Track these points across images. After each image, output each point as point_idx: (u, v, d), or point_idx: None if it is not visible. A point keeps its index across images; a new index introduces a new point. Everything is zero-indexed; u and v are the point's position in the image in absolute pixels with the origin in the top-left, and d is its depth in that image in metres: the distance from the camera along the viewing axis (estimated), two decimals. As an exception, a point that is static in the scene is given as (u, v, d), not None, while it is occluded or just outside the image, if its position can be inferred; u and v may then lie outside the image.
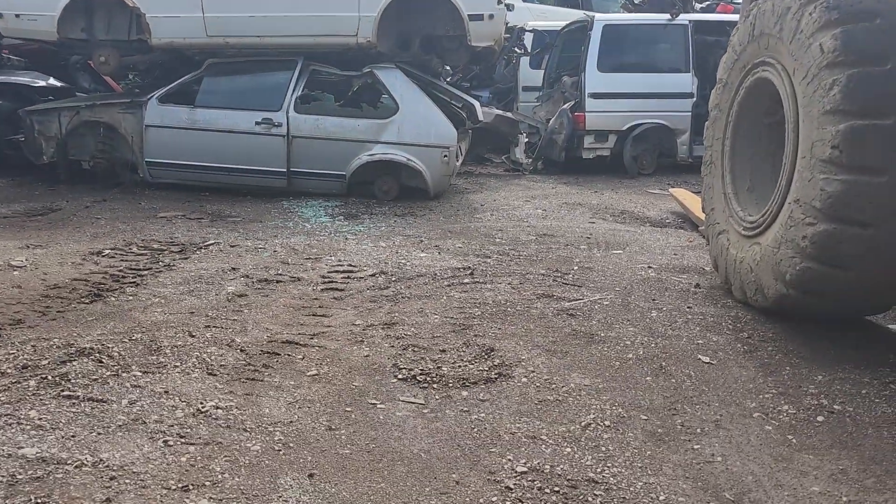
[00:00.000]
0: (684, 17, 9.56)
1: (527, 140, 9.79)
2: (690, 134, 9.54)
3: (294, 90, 7.01)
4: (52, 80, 8.24)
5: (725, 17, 9.93)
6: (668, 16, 9.54)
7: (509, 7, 12.84)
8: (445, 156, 6.97)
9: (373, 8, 6.71)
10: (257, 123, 6.93)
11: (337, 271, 4.43)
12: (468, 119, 7.48)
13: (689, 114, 9.45)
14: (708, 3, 14.01)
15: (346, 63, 7.20)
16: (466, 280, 4.25)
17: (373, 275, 4.35)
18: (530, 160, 9.92)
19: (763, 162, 4.03)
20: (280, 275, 4.31)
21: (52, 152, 7.24)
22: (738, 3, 13.85)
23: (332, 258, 4.74)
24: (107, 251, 4.70)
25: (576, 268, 4.62)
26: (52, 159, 7.27)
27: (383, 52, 7.01)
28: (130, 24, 6.91)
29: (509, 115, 9.54)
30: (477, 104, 7.48)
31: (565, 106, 9.48)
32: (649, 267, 4.70)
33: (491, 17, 6.82)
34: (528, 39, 11.40)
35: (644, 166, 9.64)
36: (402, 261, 4.67)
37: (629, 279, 4.38)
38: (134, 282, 4.09)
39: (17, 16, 6.85)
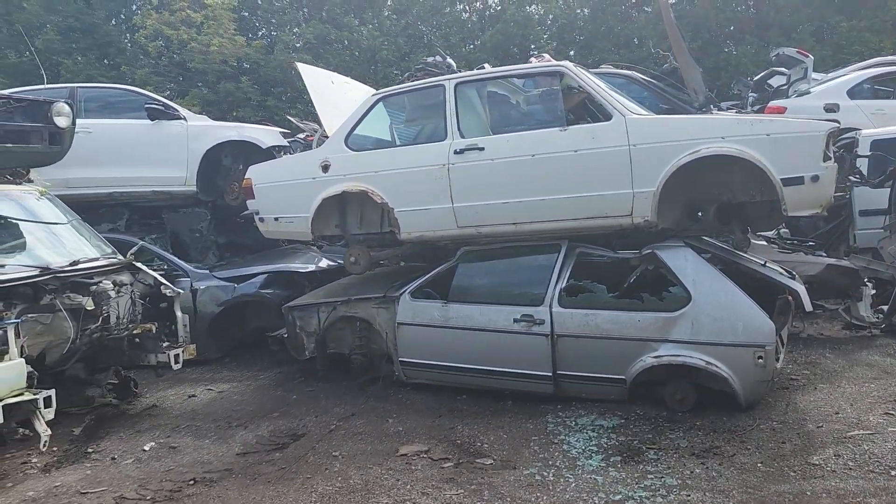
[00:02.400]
0: None
1: (873, 291, 7.44)
2: None
3: (558, 280, 5.82)
4: (322, 262, 8.11)
5: None
6: None
7: (832, 108, 10.56)
8: (760, 357, 5.19)
9: (650, 182, 5.33)
10: (516, 321, 5.83)
11: None
12: (792, 301, 5.62)
13: None
14: None
15: (622, 239, 5.88)
16: None
17: None
18: (880, 317, 7.53)
19: None
20: None
21: (312, 348, 6.89)
22: None
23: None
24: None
25: None
26: (313, 355, 6.93)
27: (666, 227, 5.56)
28: (382, 217, 6.36)
29: (845, 263, 7.35)
30: (802, 289, 5.58)
31: (929, 246, 7.05)
32: None
33: (815, 179, 5.00)
34: (862, 145, 9.04)
35: None
36: None
37: None
38: None
39: (276, 219, 6.69)
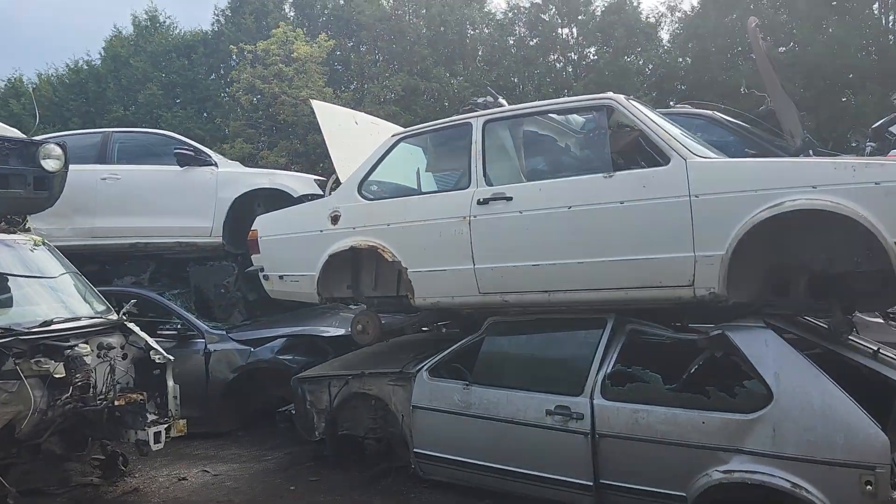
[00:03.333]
0: None
1: None
2: None
3: (601, 364, 4.63)
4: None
5: None
6: None
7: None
8: (868, 482, 3.80)
9: (717, 243, 4.12)
10: (549, 413, 4.68)
11: None
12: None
13: None
14: None
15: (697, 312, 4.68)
16: None
17: None
18: None
19: None
20: None
21: (322, 427, 5.96)
22: None
23: None
24: None
25: None
26: (323, 435, 5.98)
27: (740, 302, 4.30)
28: (399, 279, 5.39)
29: None
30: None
31: None
32: None
33: (942, 240, 3.67)
34: None
35: None
36: None
37: None
38: None
39: (281, 277, 5.86)
